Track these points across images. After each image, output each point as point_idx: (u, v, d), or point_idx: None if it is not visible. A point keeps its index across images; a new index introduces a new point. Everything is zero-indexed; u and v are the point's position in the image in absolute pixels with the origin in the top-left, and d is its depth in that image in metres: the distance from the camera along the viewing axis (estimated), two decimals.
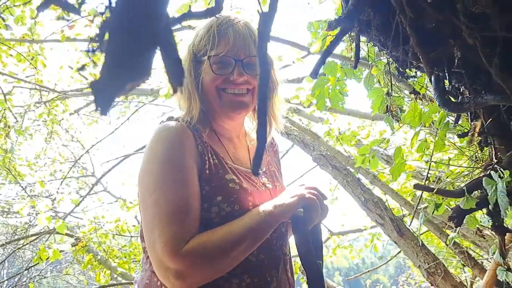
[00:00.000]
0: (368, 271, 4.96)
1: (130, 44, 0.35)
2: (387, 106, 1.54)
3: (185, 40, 1.38)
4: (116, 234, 5.29)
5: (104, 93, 0.34)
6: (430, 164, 1.96)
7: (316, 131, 3.98)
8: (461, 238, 3.09)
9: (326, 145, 3.60)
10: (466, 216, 1.31)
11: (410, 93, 1.42)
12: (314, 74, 0.70)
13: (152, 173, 1.14)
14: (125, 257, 5.37)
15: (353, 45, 1.07)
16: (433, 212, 1.40)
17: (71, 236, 5.31)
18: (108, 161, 5.32)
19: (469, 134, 1.21)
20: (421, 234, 3.58)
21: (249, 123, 1.48)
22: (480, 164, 1.39)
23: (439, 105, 1.09)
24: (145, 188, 1.15)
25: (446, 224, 2.59)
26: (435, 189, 1.29)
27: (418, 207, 2.29)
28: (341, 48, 2.95)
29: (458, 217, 1.25)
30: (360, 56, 2.36)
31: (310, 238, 1.24)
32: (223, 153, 1.27)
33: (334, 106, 2.06)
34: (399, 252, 3.55)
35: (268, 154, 1.48)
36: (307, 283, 1.20)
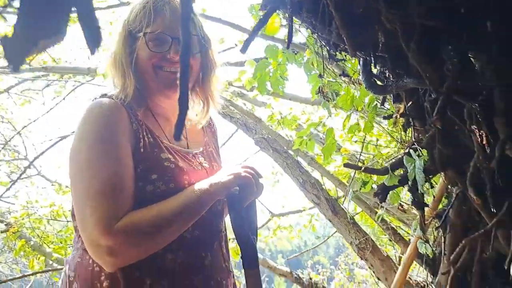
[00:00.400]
0: (307, 250, 5.18)
1: (44, 1, 0.35)
2: (319, 88, 1.60)
3: (121, 17, 1.33)
4: (51, 219, 5.07)
5: (16, 49, 0.34)
6: (362, 146, 2.07)
7: (259, 115, 4.02)
8: (391, 216, 3.30)
9: (268, 129, 3.66)
10: (390, 193, 1.42)
11: (340, 75, 1.49)
12: (244, 49, 0.73)
13: (84, 151, 1.12)
14: (61, 243, 5.16)
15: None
16: (360, 189, 1.51)
17: (1, 221, 5.01)
18: (43, 143, 5.04)
19: (394, 116, 1.30)
20: (356, 214, 3.77)
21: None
22: (404, 145, 1.50)
23: (366, 88, 1.16)
24: (76, 166, 1.12)
25: (377, 204, 2.76)
26: (363, 168, 1.38)
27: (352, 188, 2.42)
28: (284, 33, 2.99)
29: (382, 193, 1.35)
30: (302, 41, 2.42)
31: (245, 215, 1.27)
32: (158, 132, 1.26)
33: (274, 90, 2.10)
34: (335, 232, 3.73)
35: (205, 134, 1.48)
36: (241, 257, 1.24)
